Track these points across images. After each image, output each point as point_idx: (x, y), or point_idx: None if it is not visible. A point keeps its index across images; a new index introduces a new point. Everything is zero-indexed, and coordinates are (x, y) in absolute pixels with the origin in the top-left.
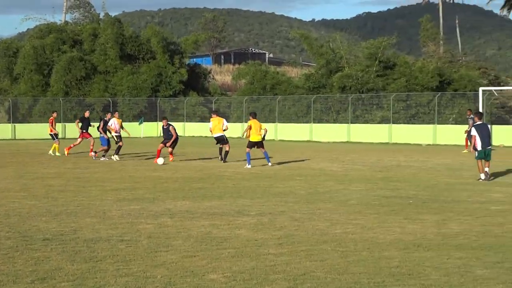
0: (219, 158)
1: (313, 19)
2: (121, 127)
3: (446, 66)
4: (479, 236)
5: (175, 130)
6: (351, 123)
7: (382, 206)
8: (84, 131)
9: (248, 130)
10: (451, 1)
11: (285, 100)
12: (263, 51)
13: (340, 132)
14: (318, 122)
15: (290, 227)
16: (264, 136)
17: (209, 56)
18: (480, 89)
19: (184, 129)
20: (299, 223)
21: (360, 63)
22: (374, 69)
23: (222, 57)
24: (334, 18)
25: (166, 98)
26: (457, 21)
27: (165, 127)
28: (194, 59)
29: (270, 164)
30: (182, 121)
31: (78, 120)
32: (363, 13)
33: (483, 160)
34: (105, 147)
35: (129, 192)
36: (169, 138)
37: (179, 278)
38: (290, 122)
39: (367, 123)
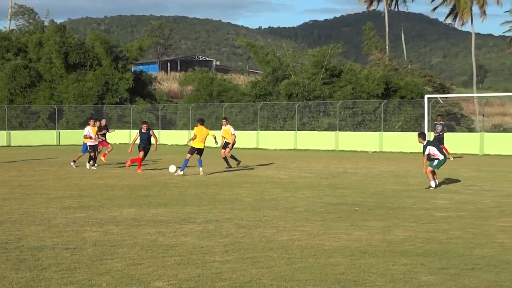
0: (226, 166)
1: (260, 27)
2: (99, 132)
3: (392, 74)
4: (424, 243)
5: (155, 135)
6: (298, 130)
7: (329, 213)
8: (103, 139)
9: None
10: (396, 9)
11: (231, 107)
12: (210, 59)
13: (286, 139)
14: (265, 130)
15: (236, 234)
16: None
17: (155, 64)
18: (426, 96)
19: (130, 136)
20: (245, 230)
21: (306, 71)
22: (321, 76)
23: (169, 64)
24: (281, 26)
25: (113, 105)
26: (402, 29)
27: (144, 131)
28: (141, 67)
29: (201, 170)
30: (129, 128)
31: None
32: (310, 21)
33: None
34: (81, 154)
35: (75, 200)
36: (148, 143)
37: (124, 286)
38: (237, 129)
39: (314, 130)
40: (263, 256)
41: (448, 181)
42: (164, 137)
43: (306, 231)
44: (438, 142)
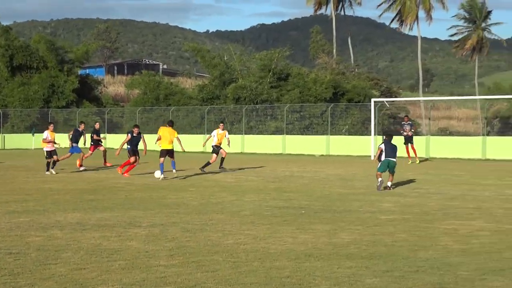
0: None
1: (208, 30)
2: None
3: (339, 78)
4: (369, 246)
5: (144, 139)
6: (245, 134)
7: (275, 217)
8: (92, 143)
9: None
10: (343, 14)
11: (178, 111)
12: (157, 62)
13: (234, 143)
14: (209, 133)
15: (182, 238)
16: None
17: (102, 67)
18: (372, 100)
19: None
20: (191, 234)
21: (254, 75)
22: (268, 80)
23: (116, 68)
24: (229, 30)
25: (59, 108)
26: (349, 33)
27: (135, 135)
28: (87, 70)
29: (174, 171)
30: None
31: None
32: (258, 24)
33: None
34: (68, 155)
35: (19, 204)
36: (136, 146)
37: None
38: (184, 133)
39: (261, 134)
40: (208, 260)
41: (394, 184)
42: (110, 140)
43: (252, 235)
44: (408, 141)
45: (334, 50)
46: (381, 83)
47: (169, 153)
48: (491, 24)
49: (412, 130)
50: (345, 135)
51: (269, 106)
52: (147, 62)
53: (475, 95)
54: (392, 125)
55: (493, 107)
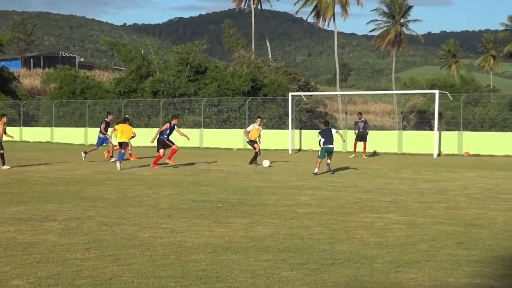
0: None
1: (125, 24)
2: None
3: (256, 72)
4: (286, 239)
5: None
6: None
7: (192, 210)
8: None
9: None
10: (260, 8)
11: (95, 105)
12: (74, 55)
13: (151, 136)
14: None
15: (98, 231)
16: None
17: (18, 60)
18: (290, 94)
19: None
20: (107, 228)
21: (171, 68)
22: (186, 74)
23: (32, 60)
24: (146, 23)
25: None
26: (267, 27)
27: (173, 126)
28: (2, 63)
29: (118, 166)
30: None
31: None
32: (175, 18)
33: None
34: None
35: None
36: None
37: None
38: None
39: (179, 127)
40: (125, 254)
41: (311, 178)
42: (26, 134)
43: (169, 228)
44: (361, 138)
45: (253, 44)
46: (299, 78)
47: (122, 145)
48: (410, 20)
49: (367, 127)
50: (262, 129)
51: (187, 100)
52: (63, 55)
53: (392, 90)
54: (310, 119)
55: (409, 102)
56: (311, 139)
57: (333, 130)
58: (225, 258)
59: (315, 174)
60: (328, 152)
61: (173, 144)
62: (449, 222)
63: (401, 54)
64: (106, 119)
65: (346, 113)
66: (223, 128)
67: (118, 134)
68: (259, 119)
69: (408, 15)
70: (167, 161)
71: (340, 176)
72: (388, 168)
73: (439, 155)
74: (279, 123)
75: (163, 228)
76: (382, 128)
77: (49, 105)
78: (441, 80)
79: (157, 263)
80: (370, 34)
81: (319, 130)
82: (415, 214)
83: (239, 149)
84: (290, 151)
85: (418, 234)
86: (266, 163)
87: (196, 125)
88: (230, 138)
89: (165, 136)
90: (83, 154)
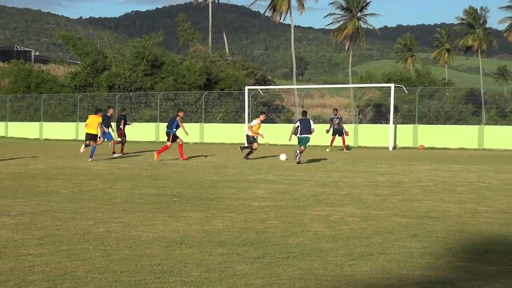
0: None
1: (81, 17)
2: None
3: (213, 66)
4: (241, 232)
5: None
6: None
7: (147, 204)
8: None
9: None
10: (217, 1)
11: (50, 99)
12: (29, 49)
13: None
14: (84, 121)
15: (52, 226)
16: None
17: None
18: (246, 88)
19: None
20: (61, 223)
21: (127, 62)
22: (142, 68)
23: None
24: (102, 17)
25: None
26: (224, 21)
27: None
28: None
29: (91, 159)
30: None
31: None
32: (132, 11)
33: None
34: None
35: None
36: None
37: None
38: (56, 121)
39: (135, 121)
40: (79, 249)
41: (267, 171)
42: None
43: (123, 223)
44: (337, 133)
45: (210, 38)
46: (256, 71)
47: (92, 137)
48: (367, 14)
49: (341, 123)
50: (219, 123)
51: (143, 94)
52: (18, 49)
53: (348, 84)
54: (267, 113)
55: (365, 96)
56: (268, 132)
57: (311, 122)
58: (180, 252)
59: (297, 159)
60: (303, 142)
61: (177, 139)
62: (403, 214)
63: (358, 48)
64: (107, 113)
65: (302, 106)
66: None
67: (90, 125)
68: (263, 115)
69: (365, 9)
70: (155, 154)
71: (297, 169)
72: (344, 161)
73: (394, 148)
74: (236, 117)
75: (118, 222)
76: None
77: (4, 100)
78: (397, 74)
79: (111, 258)
80: (327, 28)
81: (298, 119)
82: (370, 207)
83: (196, 143)
84: (246, 145)
85: (372, 226)
86: (283, 156)
87: (153, 119)
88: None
89: (174, 129)
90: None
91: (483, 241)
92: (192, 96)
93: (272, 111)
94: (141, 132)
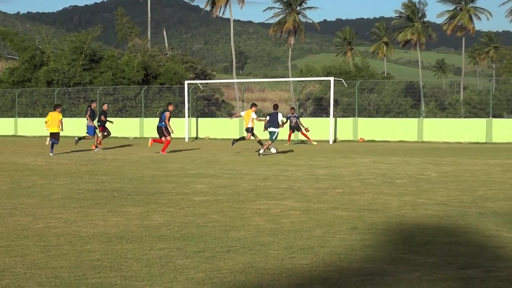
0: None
1: (18, 12)
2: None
3: (151, 60)
4: (182, 227)
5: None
6: None
7: (86, 200)
8: (99, 125)
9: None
10: None
11: None
12: None
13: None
14: (24, 117)
15: None
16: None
17: None
18: (186, 82)
19: None
20: (0, 219)
21: (66, 57)
22: (80, 62)
23: None
24: (40, 11)
25: None
26: (163, 16)
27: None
28: None
29: (52, 154)
30: None
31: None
32: (70, 6)
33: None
34: (91, 136)
35: None
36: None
37: None
38: None
39: (74, 117)
40: (18, 245)
41: (207, 165)
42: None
43: (63, 218)
44: (294, 129)
45: (149, 33)
46: (196, 66)
47: (54, 135)
48: (306, 8)
49: (298, 122)
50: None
51: (82, 89)
52: None
53: (289, 77)
54: (207, 107)
55: (305, 89)
56: (208, 127)
57: (280, 116)
58: (120, 247)
59: (276, 152)
60: (270, 135)
61: (170, 134)
62: (343, 207)
63: (298, 41)
64: (90, 107)
65: (243, 100)
66: (119, 117)
67: (52, 123)
68: (255, 106)
69: (305, 3)
70: (150, 141)
71: (237, 163)
72: (284, 155)
73: (334, 141)
74: (176, 112)
75: (57, 218)
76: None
77: None
78: (337, 67)
79: (50, 253)
80: (266, 22)
81: (268, 113)
82: (311, 200)
83: (136, 137)
84: (186, 139)
85: (313, 220)
86: (273, 150)
87: None
88: (127, 127)
89: (163, 123)
90: (76, 138)
91: (422, 233)
92: (131, 90)
93: (212, 105)
94: (80, 127)
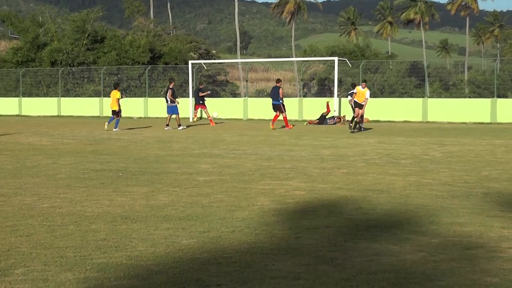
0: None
1: None
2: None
3: (156, 40)
4: (187, 207)
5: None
6: (62, 96)
7: (91, 180)
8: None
9: None
10: None
11: None
12: None
13: (50, 106)
14: (28, 96)
15: None
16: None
17: None
18: (190, 62)
19: None
20: (5, 199)
21: (69, 37)
22: (83, 42)
23: None
24: None
25: None
26: None
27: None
28: None
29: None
30: None
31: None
32: None
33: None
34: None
35: None
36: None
37: None
38: None
39: (79, 96)
40: (23, 224)
41: (212, 145)
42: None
43: (68, 198)
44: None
45: (151, 12)
46: (200, 46)
47: (114, 112)
48: None
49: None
50: (163, 97)
51: (86, 69)
52: None
53: (292, 57)
54: (211, 87)
55: (309, 69)
56: (212, 106)
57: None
58: (125, 227)
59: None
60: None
61: (285, 110)
62: (348, 187)
63: (301, 21)
64: (170, 87)
65: (247, 80)
66: (124, 97)
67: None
68: (363, 83)
69: None
70: (272, 125)
71: (241, 143)
72: (289, 135)
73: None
74: (180, 91)
75: (62, 198)
76: (283, 95)
77: None
78: (341, 47)
79: (56, 233)
80: (269, 1)
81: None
82: (315, 180)
83: (140, 117)
84: (191, 119)
85: (317, 200)
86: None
87: (96, 94)
88: (131, 107)
89: (280, 101)
90: (166, 128)
91: (427, 214)
92: (136, 70)
93: (216, 85)
94: (84, 107)
